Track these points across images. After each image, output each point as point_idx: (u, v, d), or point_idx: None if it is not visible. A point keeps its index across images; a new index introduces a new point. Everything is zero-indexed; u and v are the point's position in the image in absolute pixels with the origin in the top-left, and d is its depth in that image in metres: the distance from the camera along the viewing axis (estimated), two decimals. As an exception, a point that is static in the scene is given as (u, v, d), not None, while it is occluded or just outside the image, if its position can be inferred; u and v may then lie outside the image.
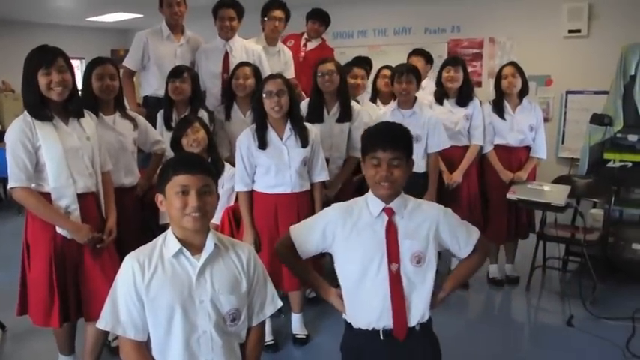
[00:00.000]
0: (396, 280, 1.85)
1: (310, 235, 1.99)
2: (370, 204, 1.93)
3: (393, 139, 1.88)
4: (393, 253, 1.86)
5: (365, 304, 1.90)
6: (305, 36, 4.74)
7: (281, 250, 2.07)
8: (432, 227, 1.90)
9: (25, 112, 2.44)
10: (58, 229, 2.48)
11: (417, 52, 4.57)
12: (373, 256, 1.87)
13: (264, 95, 2.93)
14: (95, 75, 2.91)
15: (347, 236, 1.92)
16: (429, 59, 4.59)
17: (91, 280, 2.56)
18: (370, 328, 1.88)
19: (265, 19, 4.24)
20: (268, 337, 3.16)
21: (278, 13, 4.21)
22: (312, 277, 2.07)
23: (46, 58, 2.38)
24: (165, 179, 1.74)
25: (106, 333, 2.70)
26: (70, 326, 2.72)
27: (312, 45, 4.72)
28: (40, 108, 2.42)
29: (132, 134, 3.08)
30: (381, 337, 1.87)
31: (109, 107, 3.00)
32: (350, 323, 1.95)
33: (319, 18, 4.66)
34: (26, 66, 2.41)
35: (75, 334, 2.80)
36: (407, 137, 1.93)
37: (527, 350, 3.30)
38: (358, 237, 1.90)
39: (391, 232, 1.88)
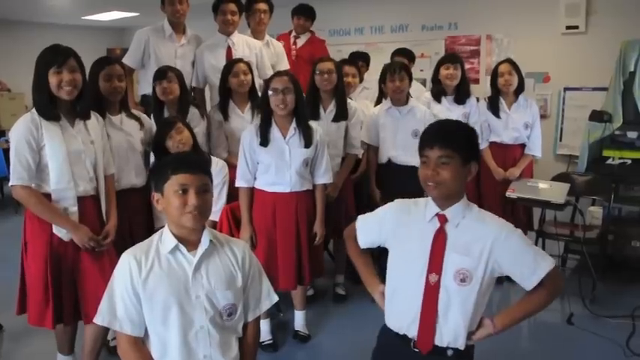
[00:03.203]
0: (431, 292, 1.71)
1: (370, 226, 1.94)
2: (427, 207, 1.79)
3: (443, 135, 1.71)
4: (435, 264, 1.71)
5: (401, 308, 1.80)
6: (293, 33, 4.73)
7: (345, 237, 2.03)
8: (487, 246, 1.69)
9: (33, 109, 2.41)
10: (55, 230, 2.46)
11: (400, 52, 4.66)
12: (417, 262, 1.74)
13: (270, 92, 2.91)
14: (103, 76, 2.87)
15: (398, 235, 1.83)
16: (411, 58, 4.66)
17: (89, 283, 2.53)
18: (401, 333, 1.79)
19: (250, 13, 4.22)
20: (267, 337, 3.15)
21: (262, 6, 4.18)
22: (363, 270, 1.98)
23: (57, 58, 2.37)
24: (164, 178, 1.74)
25: (105, 333, 2.70)
26: (72, 327, 2.71)
27: (301, 41, 4.72)
28: (48, 107, 2.40)
29: (139, 134, 3.04)
30: (412, 346, 1.76)
31: (115, 107, 2.97)
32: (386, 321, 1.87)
33: (304, 13, 4.66)
34: (37, 65, 2.39)
35: (76, 334, 2.79)
36: (463, 135, 1.74)
37: (527, 349, 3.29)
38: (408, 238, 1.79)
39: (439, 241, 1.73)
